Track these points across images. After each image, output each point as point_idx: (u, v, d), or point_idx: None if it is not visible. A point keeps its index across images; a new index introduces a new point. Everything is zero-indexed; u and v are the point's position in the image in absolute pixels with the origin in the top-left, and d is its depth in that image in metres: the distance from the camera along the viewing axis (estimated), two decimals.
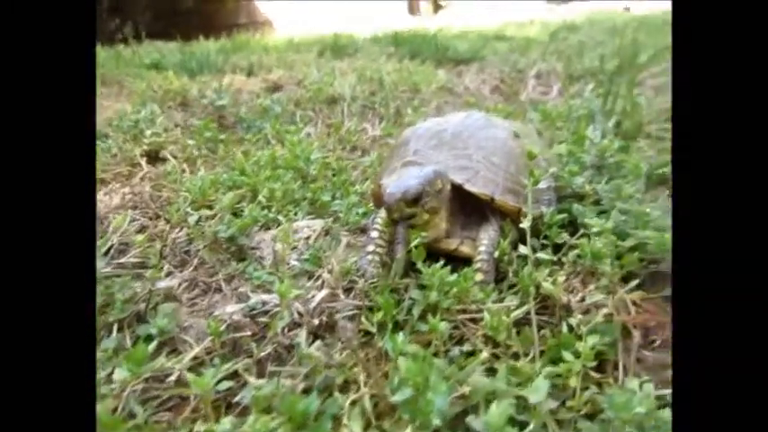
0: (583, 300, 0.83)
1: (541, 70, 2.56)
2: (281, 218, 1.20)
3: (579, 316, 0.78)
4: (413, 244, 0.88)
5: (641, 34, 3.73)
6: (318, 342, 0.76)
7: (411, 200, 0.87)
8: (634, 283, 0.85)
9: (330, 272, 0.91)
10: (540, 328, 0.84)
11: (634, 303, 0.90)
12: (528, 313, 0.82)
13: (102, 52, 3.61)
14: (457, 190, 0.98)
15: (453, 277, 0.84)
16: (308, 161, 1.38)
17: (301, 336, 0.77)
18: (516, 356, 0.78)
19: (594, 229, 0.82)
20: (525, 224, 0.89)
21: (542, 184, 1.03)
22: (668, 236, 0.87)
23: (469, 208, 1.01)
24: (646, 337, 0.85)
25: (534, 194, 1.01)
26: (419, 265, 0.87)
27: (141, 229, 1.21)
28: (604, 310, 0.76)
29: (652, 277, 0.96)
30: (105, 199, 1.37)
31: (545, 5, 7.65)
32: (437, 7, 8.30)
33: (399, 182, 0.89)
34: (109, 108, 2.14)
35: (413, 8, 8.04)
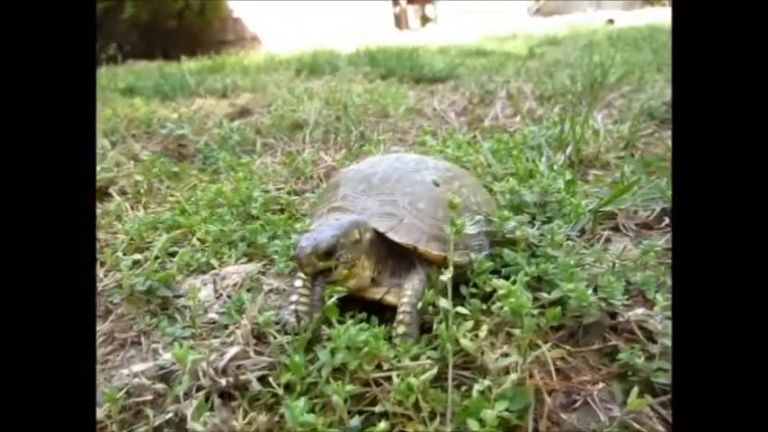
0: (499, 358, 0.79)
1: (511, 91, 2.54)
2: (213, 261, 1.16)
3: (489, 380, 0.74)
4: (329, 302, 0.85)
5: (619, 49, 3.72)
6: (208, 414, 0.72)
7: (323, 254, 0.84)
8: (553, 341, 0.81)
9: (241, 327, 0.87)
10: (459, 386, 0.81)
11: (562, 359, 0.86)
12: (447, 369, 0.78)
13: None
14: (383, 237, 0.95)
15: (364, 336, 0.81)
16: (250, 198, 1.34)
17: (192, 405, 0.73)
18: (431, 416, 0.74)
19: (501, 291, 0.78)
20: (446, 276, 0.86)
21: (472, 230, 1.00)
22: (590, 291, 0.84)
23: (398, 254, 0.98)
24: (568, 396, 0.81)
25: (464, 240, 0.98)
26: (333, 322, 0.83)
27: None
28: (514, 376, 0.72)
29: (585, 329, 0.92)
30: None
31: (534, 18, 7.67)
32: (425, 21, 8.31)
33: (312, 235, 0.85)
34: None
35: (400, 22, 8.07)
